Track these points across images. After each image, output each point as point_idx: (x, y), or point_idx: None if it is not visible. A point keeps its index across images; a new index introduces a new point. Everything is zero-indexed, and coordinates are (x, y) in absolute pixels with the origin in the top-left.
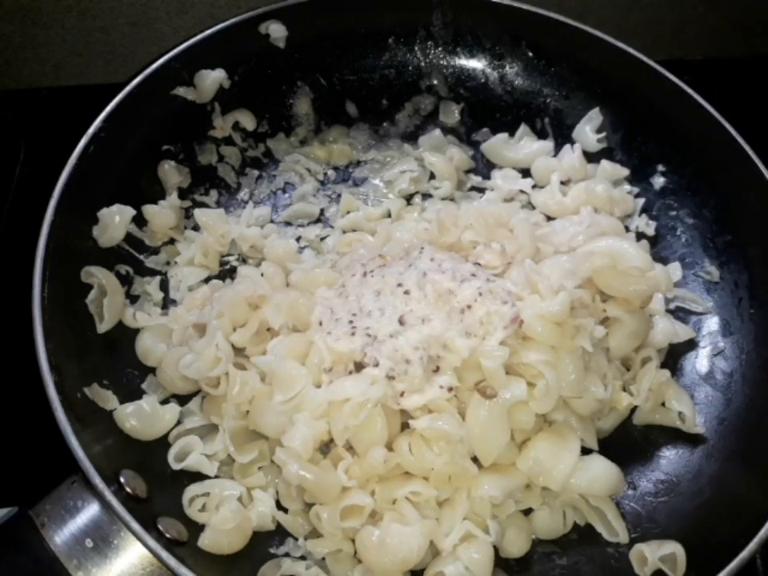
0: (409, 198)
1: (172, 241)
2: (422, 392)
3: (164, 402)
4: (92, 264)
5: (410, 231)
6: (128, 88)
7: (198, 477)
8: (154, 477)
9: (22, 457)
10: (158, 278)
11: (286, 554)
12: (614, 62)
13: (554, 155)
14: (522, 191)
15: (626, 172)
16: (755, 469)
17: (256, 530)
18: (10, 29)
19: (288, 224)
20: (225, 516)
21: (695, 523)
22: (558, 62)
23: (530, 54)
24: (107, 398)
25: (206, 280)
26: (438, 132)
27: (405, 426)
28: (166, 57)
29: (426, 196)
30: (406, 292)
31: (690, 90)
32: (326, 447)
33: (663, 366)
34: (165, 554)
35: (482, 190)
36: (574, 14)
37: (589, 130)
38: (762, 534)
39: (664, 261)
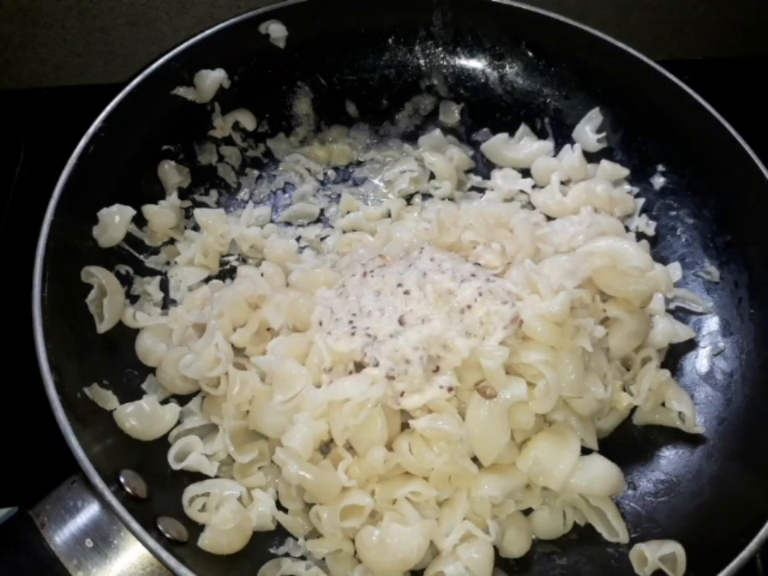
0: (409, 198)
1: (172, 241)
2: (422, 392)
3: (164, 402)
4: (92, 264)
5: (410, 231)
6: (128, 88)
7: (198, 477)
8: (153, 477)
9: (22, 457)
10: (158, 277)
11: (286, 554)
12: (613, 62)
13: (554, 155)
14: (522, 191)
15: (626, 172)
16: (755, 469)
17: (256, 529)
18: (10, 29)
19: (288, 224)
20: (225, 516)
21: (695, 523)
22: (558, 61)
23: (530, 54)
24: (107, 398)
25: (206, 280)
26: (438, 132)
27: (405, 426)
28: (166, 57)
29: (426, 196)
30: (406, 292)
31: (690, 90)
32: (325, 447)
33: (663, 366)
34: (165, 554)
35: (482, 190)
36: (574, 13)
37: (589, 130)
38: (762, 534)
39: (664, 261)
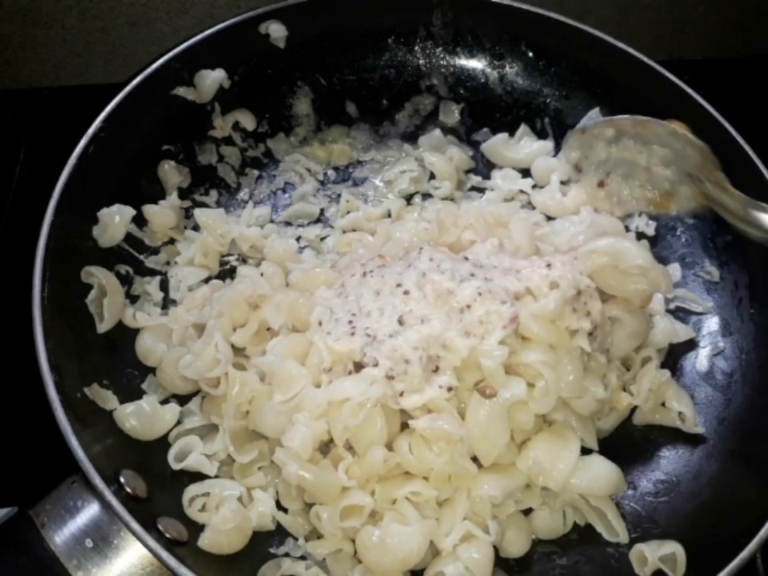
0: (409, 198)
1: (172, 241)
2: (422, 392)
3: (164, 402)
4: (92, 264)
5: (410, 231)
6: (128, 88)
7: (198, 477)
8: (153, 477)
9: (22, 457)
10: (158, 278)
11: (286, 554)
12: (613, 61)
13: (554, 155)
14: (522, 191)
15: None
16: (755, 469)
17: (256, 529)
18: (10, 29)
19: (288, 224)
20: (225, 516)
21: (695, 523)
22: (558, 61)
23: (530, 54)
24: (107, 398)
25: (206, 280)
26: (438, 132)
27: (405, 426)
28: (166, 57)
29: (426, 196)
30: (406, 292)
31: (690, 90)
32: (325, 447)
33: (663, 366)
34: (165, 554)
35: (482, 190)
36: (574, 13)
37: None
38: (762, 534)
39: (664, 261)
